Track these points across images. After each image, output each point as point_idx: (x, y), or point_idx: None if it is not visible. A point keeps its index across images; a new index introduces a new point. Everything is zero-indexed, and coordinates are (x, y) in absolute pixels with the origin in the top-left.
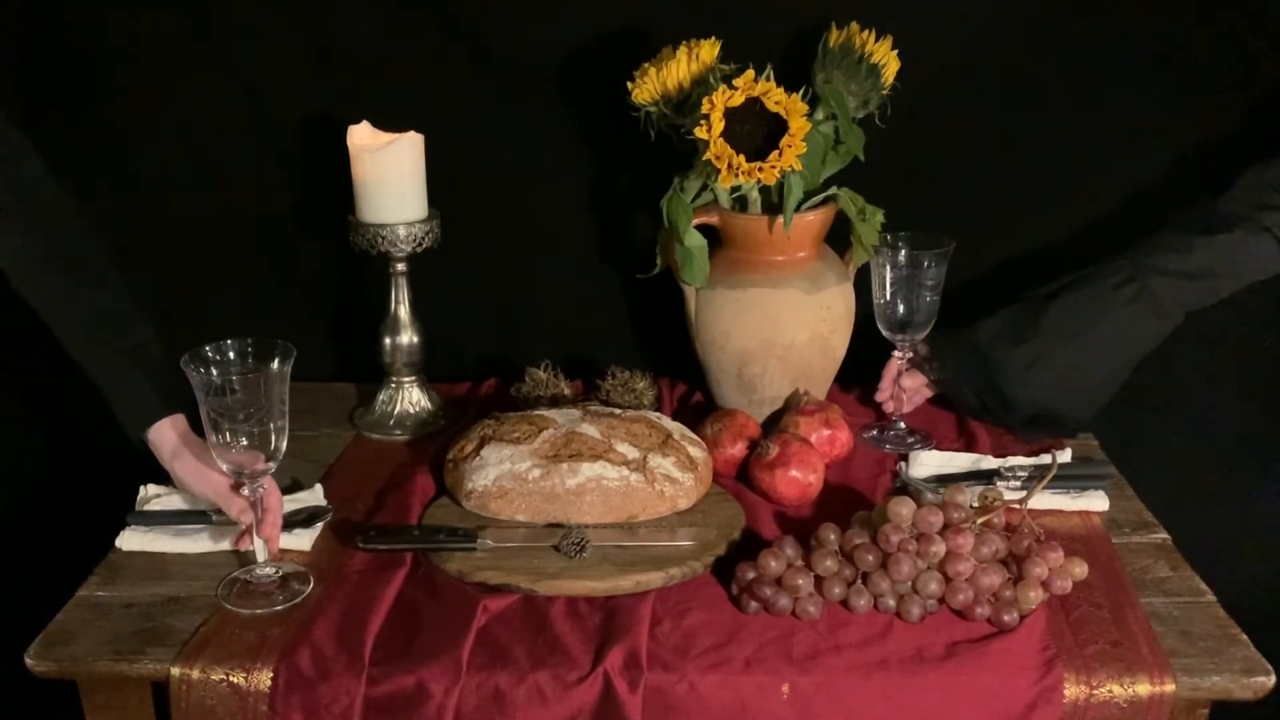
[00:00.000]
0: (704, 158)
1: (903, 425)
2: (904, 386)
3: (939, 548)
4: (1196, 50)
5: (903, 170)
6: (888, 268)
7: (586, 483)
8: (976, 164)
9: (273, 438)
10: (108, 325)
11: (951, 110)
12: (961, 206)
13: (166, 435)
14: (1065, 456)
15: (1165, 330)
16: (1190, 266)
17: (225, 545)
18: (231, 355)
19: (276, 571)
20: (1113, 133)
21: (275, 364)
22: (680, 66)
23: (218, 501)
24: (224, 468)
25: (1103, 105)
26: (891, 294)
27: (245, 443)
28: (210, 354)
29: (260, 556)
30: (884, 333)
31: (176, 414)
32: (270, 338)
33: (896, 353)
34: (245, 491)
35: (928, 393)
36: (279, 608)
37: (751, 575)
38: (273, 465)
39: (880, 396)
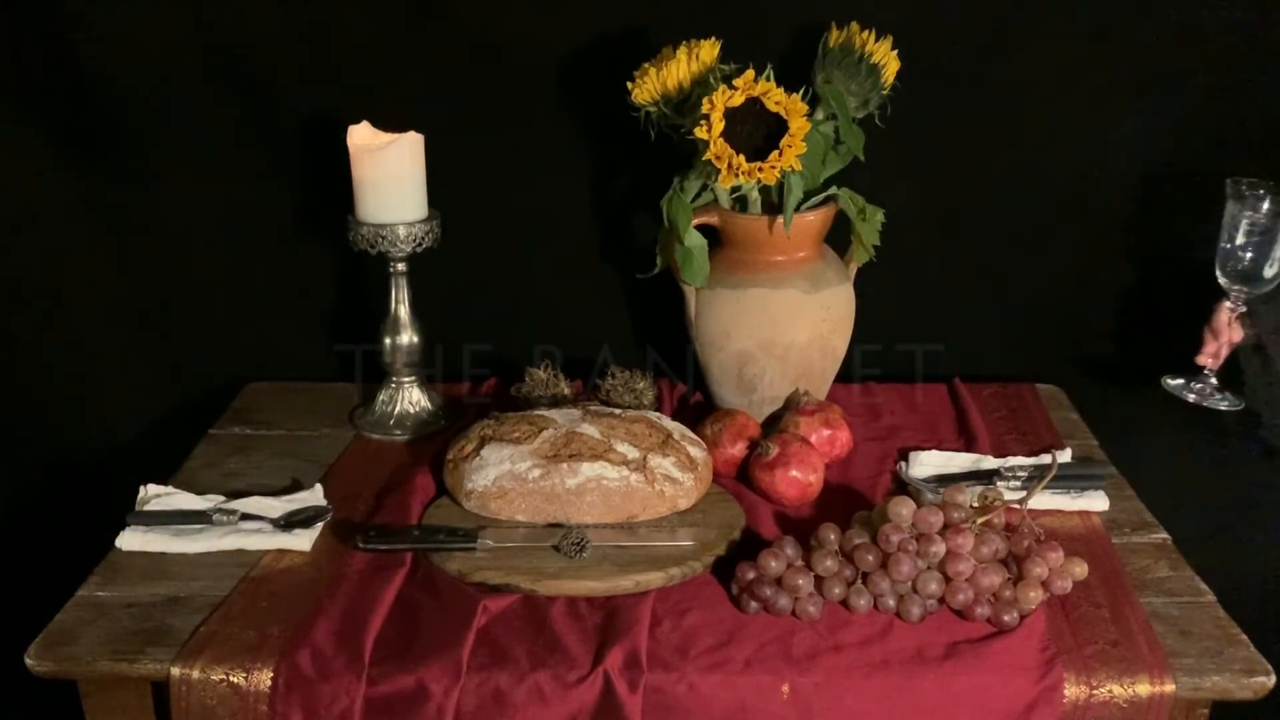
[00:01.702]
0: (704, 158)
1: (1214, 380)
2: (1232, 339)
3: (939, 548)
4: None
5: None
6: (1246, 214)
7: (586, 483)
8: (977, 163)
9: None
10: None
11: (952, 110)
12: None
13: None
14: (1065, 456)
15: None
16: None
17: (226, 545)
18: None
19: None
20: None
21: None
22: (680, 66)
23: None
24: None
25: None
26: (1243, 242)
27: None
28: None
29: None
30: (1221, 281)
31: None
32: None
33: (1228, 303)
34: None
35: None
36: None
37: (751, 575)
38: None
39: (1210, 347)
